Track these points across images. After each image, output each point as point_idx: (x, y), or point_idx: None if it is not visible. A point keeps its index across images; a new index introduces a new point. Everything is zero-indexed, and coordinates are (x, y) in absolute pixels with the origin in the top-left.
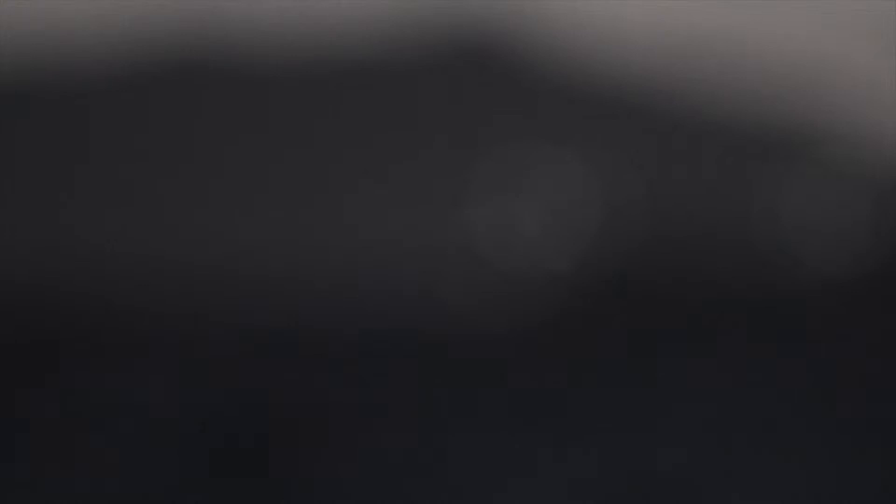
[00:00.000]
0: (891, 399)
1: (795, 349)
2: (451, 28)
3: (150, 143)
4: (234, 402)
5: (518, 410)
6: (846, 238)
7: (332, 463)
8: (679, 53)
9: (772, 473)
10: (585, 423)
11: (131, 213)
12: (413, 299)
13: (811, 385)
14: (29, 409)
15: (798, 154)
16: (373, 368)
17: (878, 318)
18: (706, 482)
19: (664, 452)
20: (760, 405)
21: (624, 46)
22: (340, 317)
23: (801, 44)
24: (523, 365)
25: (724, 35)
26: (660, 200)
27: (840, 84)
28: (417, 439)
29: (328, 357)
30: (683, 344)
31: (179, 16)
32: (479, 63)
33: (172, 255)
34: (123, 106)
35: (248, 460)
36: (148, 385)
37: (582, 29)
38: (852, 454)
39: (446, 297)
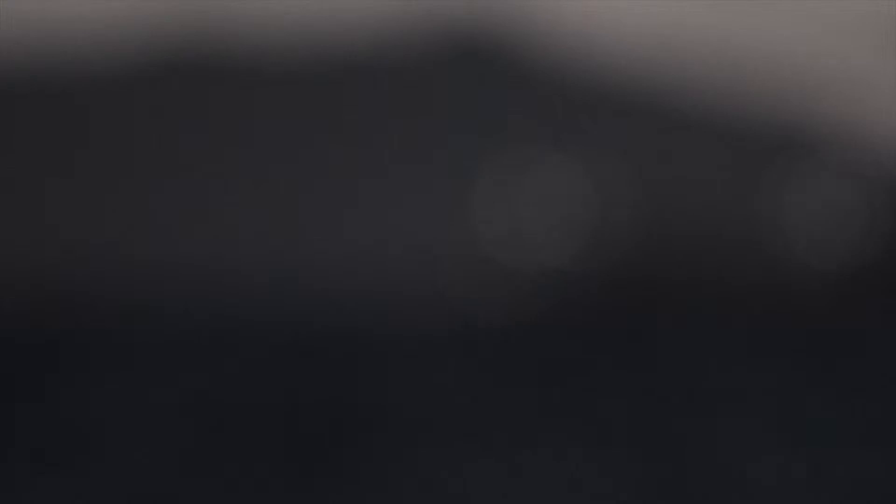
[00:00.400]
0: (888, 385)
1: (794, 340)
2: (451, 27)
3: (150, 142)
4: (238, 400)
5: (522, 403)
6: (844, 234)
7: (346, 461)
8: (679, 54)
9: (775, 465)
10: (587, 416)
11: (130, 213)
12: (414, 296)
13: (810, 375)
14: (29, 409)
15: (796, 152)
16: (377, 365)
17: (875, 311)
18: (708, 473)
19: (663, 439)
20: (759, 396)
21: (625, 46)
22: (342, 315)
23: (800, 46)
24: (526, 358)
25: (723, 37)
26: (659, 198)
27: (838, 84)
28: (428, 436)
29: (333, 355)
30: (683, 336)
31: (181, 14)
32: (479, 62)
33: (173, 255)
34: (124, 105)
35: (253, 457)
36: (149, 383)
37: (584, 28)
38: (855, 442)
39: (448, 293)
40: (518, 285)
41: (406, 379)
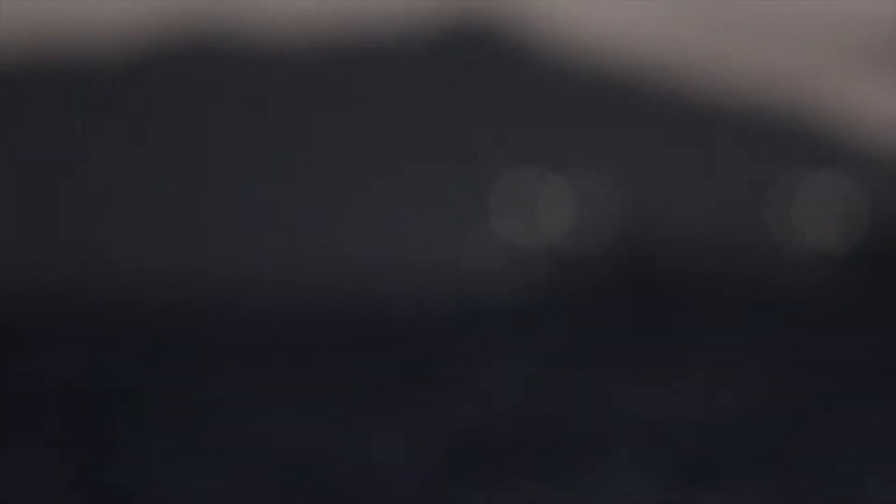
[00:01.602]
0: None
1: (787, 328)
2: (452, 19)
3: (162, 132)
4: (230, 391)
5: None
6: (835, 224)
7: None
8: (669, 48)
9: (774, 454)
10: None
11: (126, 211)
12: (423, 281)
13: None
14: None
15: (786, 142)
16: (396, 347)
17: (868, 305)
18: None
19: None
20: (756, 377)
21: (616, 39)
22: (352, 304)
23: (798, 56)
24: (532, 336)
25: (711, 32)
26: (653, 185)
27: (831, 91)
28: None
29: (350, 342)
30: (681, 320)
31: (194, 6)
32: (479, 51)
33: (178, 249)
34: (125, 97)
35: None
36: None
37: (578, 21)
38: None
39: (459, 277)
40: (525, 269)
41: (430, 356)
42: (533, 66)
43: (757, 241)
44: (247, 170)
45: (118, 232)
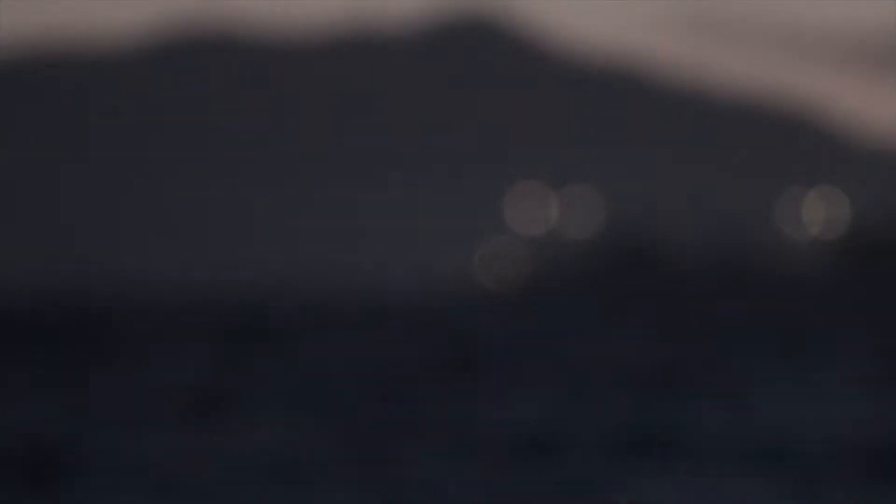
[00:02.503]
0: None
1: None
2: (453, 20)
3: (152, 133)
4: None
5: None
6: (832, 217)
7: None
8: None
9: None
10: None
11: (127, 211)
12: (432, 272)
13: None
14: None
15: (789, 150)
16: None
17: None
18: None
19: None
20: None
21: (624, 46)
22: (363, 298)
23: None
24: (537, 324)
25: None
26: (657, 186)
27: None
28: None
29: (363, 326)
30: (676, 308)
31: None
32: (479, 53)
33: (179, 250)
34: (128, 96)
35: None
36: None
37: (580, 27)
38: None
39: (466, 271)
40: (529, 266)
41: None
42: (533, 66)
43: (756, 240)
44: (251, 168)
45: (116, 232)
